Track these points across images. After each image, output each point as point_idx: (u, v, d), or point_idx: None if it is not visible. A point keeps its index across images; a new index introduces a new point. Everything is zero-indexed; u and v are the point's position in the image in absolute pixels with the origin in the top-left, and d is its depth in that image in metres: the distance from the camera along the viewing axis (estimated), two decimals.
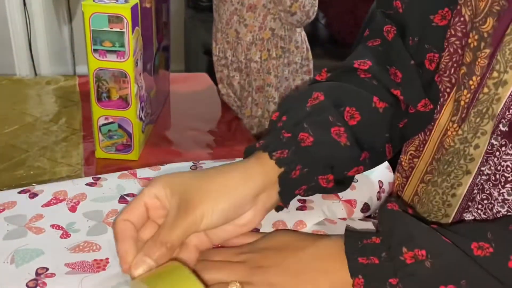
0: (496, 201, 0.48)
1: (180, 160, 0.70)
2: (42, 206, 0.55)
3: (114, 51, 0.70)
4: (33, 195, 0.56)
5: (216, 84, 1.45)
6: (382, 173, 0.63)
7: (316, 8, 1.36)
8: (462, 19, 0.51)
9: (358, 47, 0.58)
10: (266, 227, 0.53)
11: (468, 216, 0.51)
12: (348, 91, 0.52)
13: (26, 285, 0.44)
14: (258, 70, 1.41)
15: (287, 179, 0.49)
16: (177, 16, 3.04)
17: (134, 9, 0.69)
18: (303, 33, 1.48)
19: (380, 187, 0.62)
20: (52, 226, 0.52)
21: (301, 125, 0.49)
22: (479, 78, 0.48)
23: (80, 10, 0.77)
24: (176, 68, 2.60)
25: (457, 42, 0.52)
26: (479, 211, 0.50)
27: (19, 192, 0.57)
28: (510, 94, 0.45)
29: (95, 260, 0.48)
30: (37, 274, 0.46)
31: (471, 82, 0.49)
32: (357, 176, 0.60)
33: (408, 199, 0.60)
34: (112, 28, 0.69)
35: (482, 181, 0.49)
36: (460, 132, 0.49)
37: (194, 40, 2.85)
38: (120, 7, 0.67)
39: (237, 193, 0.47)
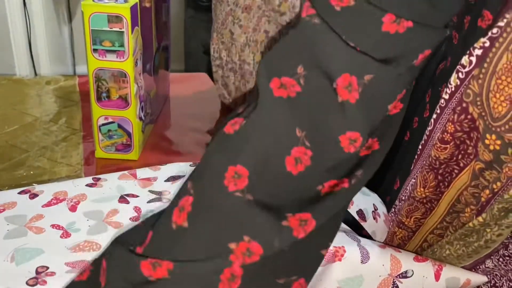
0: None
1: (180, 160, 0.70)
2: (42, 207, 0.55)
3: (114, 51, 0.70)
4: (33, 196, 0.56)
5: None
6: (375, 200, 0.63)
7: None
8: (469, 116, 0.48)
9: None
10: None
11: (488, 263, 0.53)
12: None
13: (27, 283, 0.44)
14: (251, 72, 1.39)
15: None
16: (177, 16, 3.04)
17: (133, 8, 0.69)
18: None
19: (375, 210, 0.61)
20: (52, 226, 0.52)
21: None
22: (503, 184, 0.47)
23: (80, 10, 0.77)
24: (176, 68, 2.59)
25: (464, 136, 0.50)
26: (499, 262, 0.52)
27: (19, 193, 0.57)
28: None
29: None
30: (37, 272, 0.46)
31: (494, 186, 0.48)
32: None
33: (415, 246, 0.59)
34: (111, 28, 0.69)
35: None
36: (480, 219, 0.49)
37: (194, 40, 2.85)
38: (120, 7, 0.67)
39: None
